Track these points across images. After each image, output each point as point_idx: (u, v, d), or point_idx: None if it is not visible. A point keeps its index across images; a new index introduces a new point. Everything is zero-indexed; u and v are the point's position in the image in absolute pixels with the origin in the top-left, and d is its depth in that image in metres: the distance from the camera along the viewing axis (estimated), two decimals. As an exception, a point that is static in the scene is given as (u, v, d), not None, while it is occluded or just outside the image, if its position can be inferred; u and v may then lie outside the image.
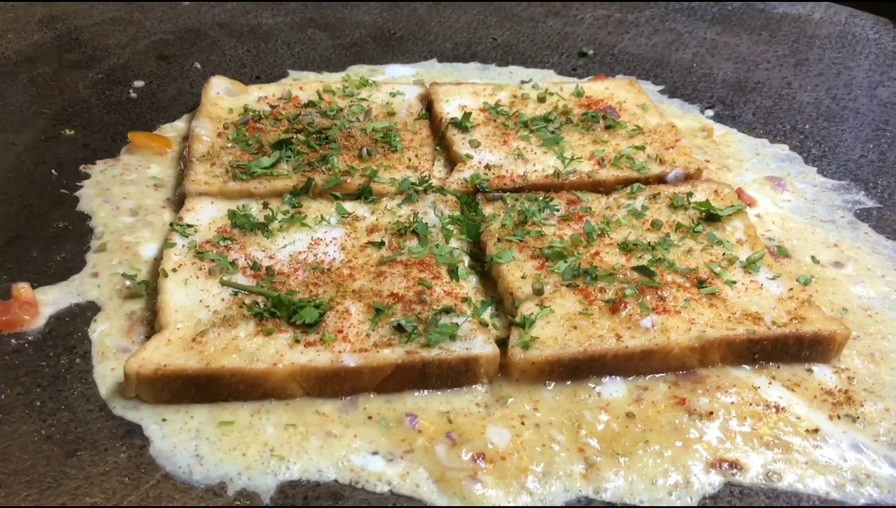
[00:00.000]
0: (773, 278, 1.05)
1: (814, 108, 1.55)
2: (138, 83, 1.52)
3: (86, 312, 1.03)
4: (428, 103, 1.43)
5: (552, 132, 1.32)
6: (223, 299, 0.97)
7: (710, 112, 1.53)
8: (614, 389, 0.94)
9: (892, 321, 1.05)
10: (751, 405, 0.92)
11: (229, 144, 1.27)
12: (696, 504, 0.83)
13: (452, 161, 1.29)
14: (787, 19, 1.89)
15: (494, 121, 1.36)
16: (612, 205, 1.18)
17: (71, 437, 0.87)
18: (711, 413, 0.91)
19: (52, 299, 1.04)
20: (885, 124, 1.50)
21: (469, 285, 1.05)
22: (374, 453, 0.85)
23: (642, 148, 1.30)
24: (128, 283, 1.05)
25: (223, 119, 1.34)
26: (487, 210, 1.16)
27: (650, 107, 1.42)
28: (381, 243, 1.08)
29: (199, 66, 1.59)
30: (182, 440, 0.86)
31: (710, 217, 1.15)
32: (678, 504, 0.82)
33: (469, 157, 1.26)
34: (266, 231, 1.09)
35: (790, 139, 1.45)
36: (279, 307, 0.95)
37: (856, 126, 1.50)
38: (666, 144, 1.31)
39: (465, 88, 1.46)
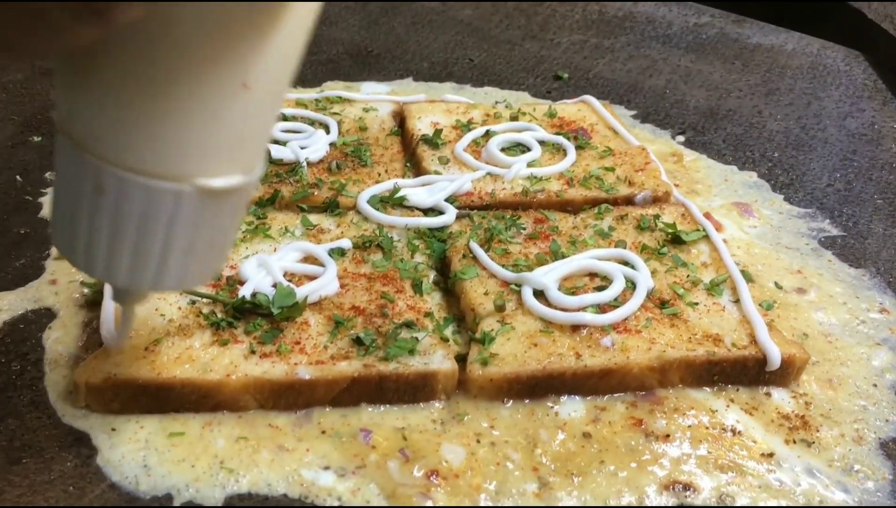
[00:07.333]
0: (735, 301, 1.05)
1: (783, 136, 1.57)
2: (110, 92, 1.51)
3: (41, 319, 1.01)
4: (401, 120, 1.43)
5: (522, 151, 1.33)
6: (180, 308, 0.96)
7: (681, 138, 1.54)
8: (573, 408, 0.93)
9: (852, 347, 1.06)
10: (708, 428, 0.92)
11: (197, 155, 1.26)
12: (649, 526, 0.82)
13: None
14: (760, 49, 1.92)
15: (465, 139, 1.36)
16: (579, 225, 1.18)
17: (17, 444, 0.85)
18: (668, 436, 0.91)
19: (7, 305, 1.02)
20: (853, 155, 1.52)
21: (433, 300, 1.04)
22: (326, 468, 0.84)
23: (612, 169, 1.30)
24: (85, 291, 1.04)
25: (193, 129, 1.33)
26: (454, 227, 1.16)
27: (621, 129, 1.43)
28: (344, 255, 1.07)
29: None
30: (130, 450, 0.85)
31: (676, 239, 1.16)
32: (631, 525, 0.82)
33: (438, 173, 1.27)
34: (229, 242, 1.08)
35: (759, 167, 1.46)
36: (239, 311, 0.94)
37: (823, 155, 1.51)
38: (636, 166, 1.32)
39: (438, 105, 1.47)
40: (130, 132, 0.56)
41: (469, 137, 1.35)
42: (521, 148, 1.34)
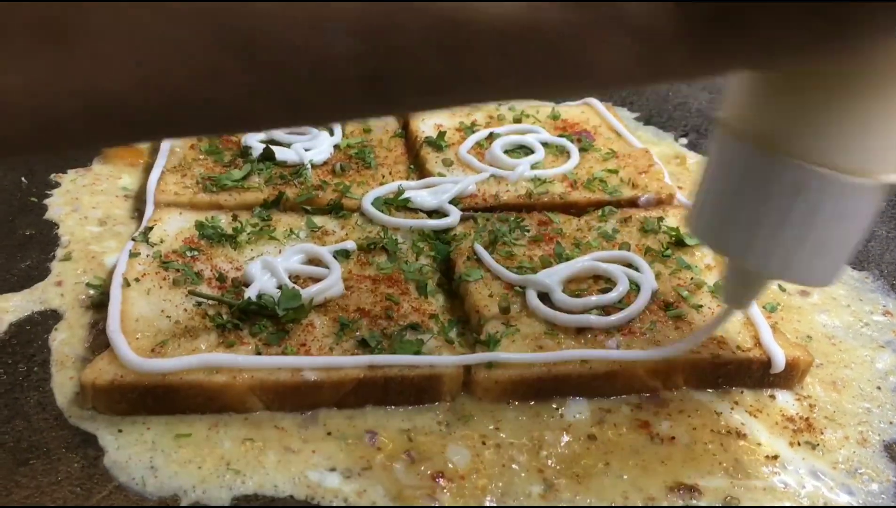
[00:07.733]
0: (739, 304, 1.06)
1: (786, 138, 1.57)
2: (115, 93, 1.51)
3: (47, 320, 1.01)
4: (404, 122, 1.44)
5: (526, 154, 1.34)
6: (185, 310, 0.96)
7: (684, 140, 1.55)
8: (577, 410, 0.94)
9: (855, 350, 1.06)
10: (712, 430, 0.92)
11: (202, 156, 1.26)
12: (654, 528, 0.82)
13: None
14: (763, 51, 1.92)
15: (469, 141, 1.36)
16: (583, 227, 1.19)
17: (24, 445, 0.85)
18: (673, 438, 0.91)
19: (13, 307, 1.02)
20: (856, 157, 1.52)
21: (437, 302, 1.05)
22: (332, 469, 0.85)
23: (615, 171, 1.31)
24: (91, 292, 1.04)
25: (197, 131, 1.33)
26: (459, 229, 1.16)
27: (624, 132, 1.44)
28: (349, 257, 1.07)
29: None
30: (137, 451, 0.85)
31: (680, 242, 1.16)
32: (636, 527, 0.82)
33: (442, 175, 1.27)
34: (234, 243, 1.08)
35: (762, 168, 1.46)
36: (245, 312, 0.95)
37: (827, 157, 1.51)
38: (639, 169, 1.32)
39: (441, 108, 1.47)
40: (837, 134, 0.62)
41: (473, 139, 1.35)
42: (525, 150, 1.35)
